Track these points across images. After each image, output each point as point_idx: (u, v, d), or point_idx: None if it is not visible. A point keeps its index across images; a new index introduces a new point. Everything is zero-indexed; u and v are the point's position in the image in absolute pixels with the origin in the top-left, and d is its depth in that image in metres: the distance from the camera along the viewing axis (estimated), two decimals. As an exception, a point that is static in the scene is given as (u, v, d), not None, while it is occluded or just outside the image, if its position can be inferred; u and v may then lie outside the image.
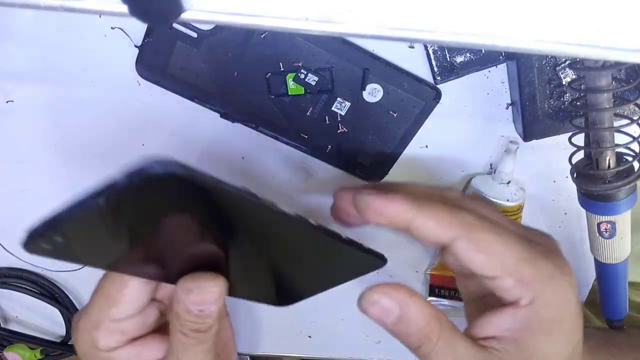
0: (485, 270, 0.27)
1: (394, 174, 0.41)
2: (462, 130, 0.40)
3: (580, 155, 0.37)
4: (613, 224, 0.37)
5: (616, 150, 0.35)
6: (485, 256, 0.26)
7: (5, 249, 0.47)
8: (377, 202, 0.26)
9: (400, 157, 0.40)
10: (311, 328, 0.41)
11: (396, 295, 0.26)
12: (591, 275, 0.46)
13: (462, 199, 0.30)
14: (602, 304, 0.44)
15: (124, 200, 0.22)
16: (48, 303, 0.50)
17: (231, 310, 0.39)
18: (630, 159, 0.36)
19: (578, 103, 0.36)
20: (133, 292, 0.29)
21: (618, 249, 0.39)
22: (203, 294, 0.26)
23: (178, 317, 0.27)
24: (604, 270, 0.41)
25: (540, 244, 0.29)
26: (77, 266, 0.48)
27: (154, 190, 0.21)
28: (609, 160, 0.35)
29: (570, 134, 0.37)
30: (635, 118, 0.35)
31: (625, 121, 0.35)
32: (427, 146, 0.41)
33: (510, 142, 0.40)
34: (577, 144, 0.37)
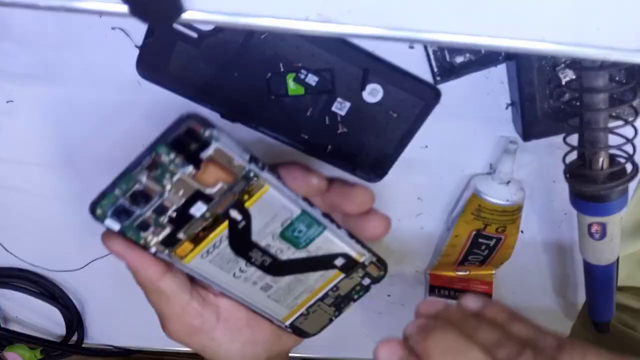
0: None
1: (394, 174, 0.41)
2: (462, 130, 0.40)
3: (574, 155, 0.37)
4: (604, 225, 0.38)
5: (609, 151, 0.35)
6: None
7: (5, 249, 0.47)
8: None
9: (400, 157, 0.40)
10: (311, 328, 0.41)
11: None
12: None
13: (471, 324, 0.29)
14: (589, 305, 0.45)
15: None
16: (48, 303, 0.50)
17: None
18: (623, 160, 0.36)
19: (574, 103, 0.36)
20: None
21: (607, 251, 0.39)
22: None
23: None
24: (592, 272, 0.42)
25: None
26: (77, 266, 0.48)
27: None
28: (602, 161, 0.35)
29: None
30: (630, 120, 0.35)
31: (620, 122, 0.35)
32: (427, 146, 0.41)
33: (510, 142, 0.40)
34: (572, 144, 0.37)
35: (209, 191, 0.28)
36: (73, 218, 0.45)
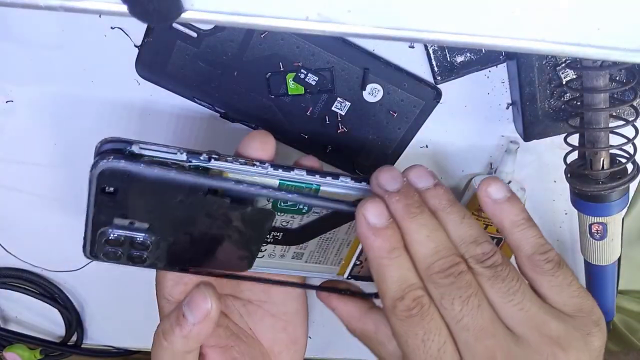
0: None
1: (394, 174, 0.41)
2: (462, 130, 0.40)
3: (575, 155, 0.37)
4: (604, 225, 0.38)
5: (610, 151, 0.35)
6: None
7: (5, 249, 0.47)
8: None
9: (400, 157, 0.40)
10: (311, 328, 0.41)
11: None
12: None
13: None
14: None
15: None
16: (48, 303, 0.50)
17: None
18: (624, 160, 0.36)
19: (575, 102, 0.36)
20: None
21: (608, 251, 0.39)
22: None
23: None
24: (593, 272, 0.42)
25: None
26: (76, 266, 0.48)
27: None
28: (603, 161, 0.35)
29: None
30: (630, 119, 0.35)
31: (621, 122, 0.35)
32: (427, 146, 0.41)
33: (511, 142, 0.40)
34: (573, 143, 0.37)
35: None
36: (73, 218, 0.45)
